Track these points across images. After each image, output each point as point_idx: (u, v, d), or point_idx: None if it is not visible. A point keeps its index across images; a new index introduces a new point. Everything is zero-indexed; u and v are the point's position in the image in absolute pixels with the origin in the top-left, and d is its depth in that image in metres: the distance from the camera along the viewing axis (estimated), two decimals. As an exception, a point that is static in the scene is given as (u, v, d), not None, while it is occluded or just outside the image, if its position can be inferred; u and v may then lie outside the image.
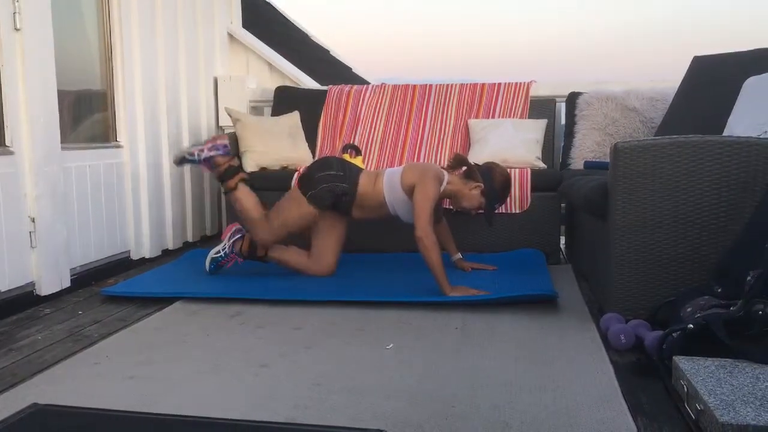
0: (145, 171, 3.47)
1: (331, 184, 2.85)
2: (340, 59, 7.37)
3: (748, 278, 1.81)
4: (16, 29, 2.55)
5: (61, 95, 2.85)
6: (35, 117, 2.64)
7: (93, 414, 1.61)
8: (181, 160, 3.01)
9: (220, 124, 4.34)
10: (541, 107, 3.85)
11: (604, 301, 2.40)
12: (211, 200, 4.27)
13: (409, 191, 2.80)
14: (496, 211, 2.96)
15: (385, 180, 2.89)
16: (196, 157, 2.96)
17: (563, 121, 3.84)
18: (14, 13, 2.54)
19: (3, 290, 2.53)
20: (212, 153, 2.96)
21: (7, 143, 2.56)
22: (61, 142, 2.82)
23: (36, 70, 2.64)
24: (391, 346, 2.11)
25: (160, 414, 1.61)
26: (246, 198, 2.96)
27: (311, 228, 3.03)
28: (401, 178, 2.84)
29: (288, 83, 4.51)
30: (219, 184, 3.04)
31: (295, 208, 2.90)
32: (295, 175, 3.49)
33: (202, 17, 4.11)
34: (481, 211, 2.92)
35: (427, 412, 1.61)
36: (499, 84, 3.94)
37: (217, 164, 2.97)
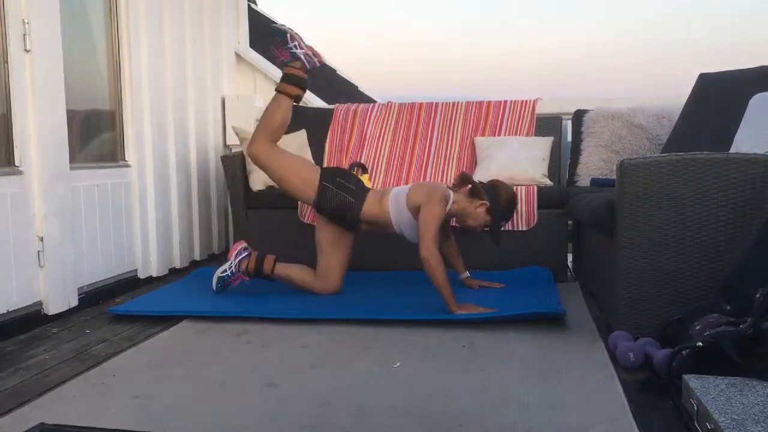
0: (153, 190, 3.48)
1: (339, 192, 2.87)
2: (346, 78, 7.42)
3: (758, 295, 1.80)
4: (26, 50, 2.58)
5: (70, 115, 2.88)
6: (44, 137, 2.66)
7: (99, 434, 1.60)
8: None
9: (228, 143, 4.37)
10: (547, 125, 3.85)
11: (612, 319, 2.39)
12: (218, 219, 4.28)
13: (415, 211, 2.80)
14: (503, 229, 2.95)
15: (391, 199, 2.90)
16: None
17: (569, 139, 3.84)
18: (24, 35, 2.57)
19: (11, 309, 2.53)
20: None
21: (16, 163, 2.58)
22: (70, 162, 2.84)
23: (45, 91, 2.67)
24: (398, 364, 2.10)
25: (167, 434, 1.60)
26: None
27: (317, 246, 3.03)
28: (407, 197, 2.84)
29: (295, 102, 4.53)
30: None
31: (304, 163, 3.01)
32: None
33: (210, 37, 4.15)
34: (486, 229, 2.91)
35: (435, 430, 1.60)
36: (505, 102, 3.95)
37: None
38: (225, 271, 3.02)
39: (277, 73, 4.64)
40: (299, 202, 3.54)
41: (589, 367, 2.04)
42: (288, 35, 2.94)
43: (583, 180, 3.57)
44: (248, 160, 3.67)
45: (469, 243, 3.36)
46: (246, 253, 3.05)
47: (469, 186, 2.92)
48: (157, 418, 1.70)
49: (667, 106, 3.54)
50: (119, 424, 1.67)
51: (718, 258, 2.15)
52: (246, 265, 3.02)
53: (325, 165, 3.95)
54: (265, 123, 2.96)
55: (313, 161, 3.87)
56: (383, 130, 3.99)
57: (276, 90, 3.00)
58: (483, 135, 3.86)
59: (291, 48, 2.94)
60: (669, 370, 1.80)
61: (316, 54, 2.99)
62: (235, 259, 3.03)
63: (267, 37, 3.01)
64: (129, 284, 3.33)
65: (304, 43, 2.97)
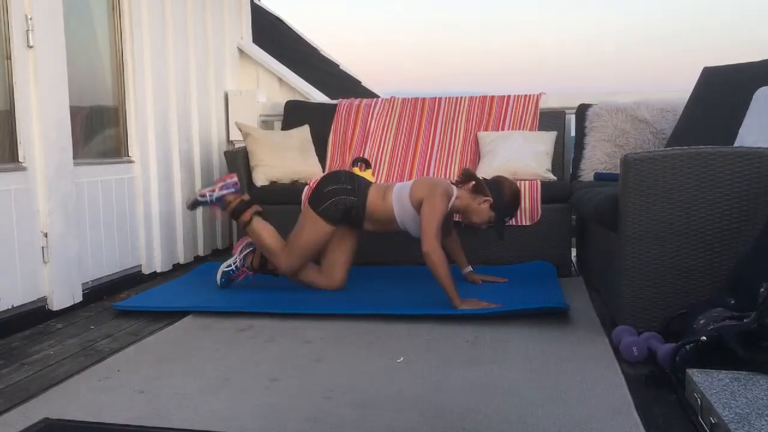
0: (157, 186, 3.49)
1: (339, 197, 2.86)
2: (349, 73, 7.42)
3: (762, 290, 1.80)
4: (29, 46, 2.59)
5: (74, 111, 2.88)
6: (48, 133, 2.67)
7: (104, 429, 1.61)
8: (193, 204, 3.06)
9: (231, 138, 4.37)
10: (550, 119, 3.85)
11: (615, 314, 2.39)
12: (222, 215, 4.29)
13: (418, 206, 2.80)
14: (507, 224, 2.95)
15: (394, 194, 2.90)
16: (207, 198, 3.01)
17: (573, 133, 3.83)
18: (27, 31, 2.57)
19: (16, 305, 2.54)
20: (223, 192, 3.01)
21: (20, 159, 2.59)
22: (74, 158, 2.85)
23: (49, 87, 2.67)
24: (401, 359, 2.10)
25: (171, 428, 1.61)
26: (263, 230, 2.97)
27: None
28: (410, 192, 2.84)
29: (298, 97, 4.53)
30: (233, 219, 3.06)
31: (310, 227, 2.89)
32: (306, 189, 3.50)
33: (213, 33, 4.15)
34: (490, 225, 2.91)
35: (439, 425, 1.60)
36: (509, 96, 3.95)
37: (228, 202, 3.01)
38: (230, 266, 3.03)
39: (281, 69, 4.65)
40: (302, 197, 3.54)
41: (592, 362, 2.04)
42: (198, 200, 3.03)
43: (587, 174, 3.56)
44: (251, 155, 3.67)
45: (472, 238, 3.36)
46: (251, 249, 3.06)
47: (473, 182, 2.92)
48: (161, 413, 1.71)
49: (671, 100, 3.52)
50: (124, 418, 1.68)
51: (722, 252, 2.14)
52: (250, 261, 3.03)
53: (328, 160, 3.95)
54: (267, 250, 2.96)
55: (318, 162, 3.87)
56: (386, 125, 3.99)
57: (242, 223, 3.02)
58: (486, 130, 3.86)
59: (212, 200, 3.01)
60: (673, 364, 1.80)
61: (223, 179, 3.06)
62: (240, 254, 3.04)
63: (191, 207, 3.12)
64: (133, 280, 3.34)
65: (210, 187, 3.05)
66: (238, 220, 3.01)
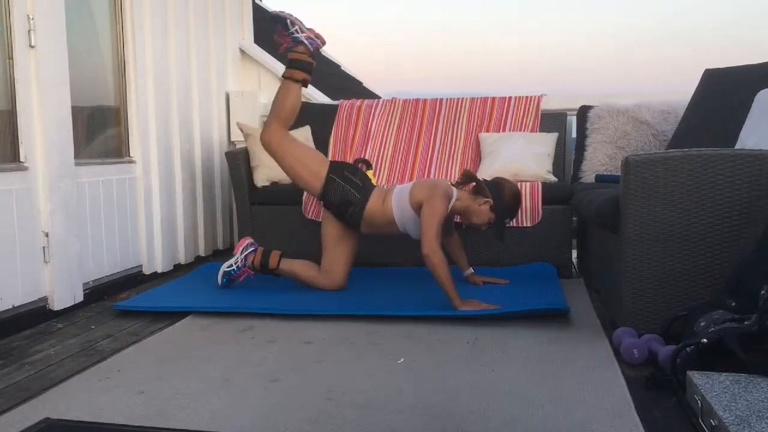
0: (158, 186, 3.49)
1: (345, 185, 2.87)
2: (350, 74, 7.41)
3: (763, 292, 1.80)
4: (31, 46, 2.59)
5: (75, 111, 2.88)
6: (49, 133, 2.67)
7: (104, 429, 1.61)
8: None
9: (232, 138, 4.37)
10: (551, 121, 3.85)
11: (616, 315, 2.38)
12: (223, 215, 4.29)
13: (418, 208, 2.80)
14: (507, 225, 2.95)
15: (394, 197, 2.90)
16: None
17: (574, 135, 3.83)
18: (29, 31, 2.58)
19: (16, 305, 2.55)
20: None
21: (21, 159, 2.59)
22: (75, 158, 2.85)
23: (50, 87, 2.67)
24: (402, 360, 2.10)
25: (172, 428, 1.61)
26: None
27: (322, 242, 3.04)
28: (410, 194, 2.84)
29: (299, 98, 4.53)
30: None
31: (303, 161, 2.94)
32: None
33: (214, 33, 4.15)
34: (491, 226, 2.91)
35: (439, 426, 1.60)
36: (510, 98, 3.95)
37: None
38: (231, 266, 3.03)
39: (282, 69, 4.64)
40: (303, 198, 3.54)
41: (593, 364, 2.04)
42: (288, 21, 2.92)
43: (588, 176, 3.56)
44: (252, 156, 3.68)
45: (473, 239, 3.36)
46: (252, 249, 3.06)
47: (473, 183, 2.92)
48: (161, 413, 1.71)
49: (673, 102, 3.52)
50: (124, 418, 1.68)
51: (723, 254, 2.14)
52: (252, 260, 3.03)
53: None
54: (276, 109, 2.96)
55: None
56: (387, 126, 3.99)
57: (283, 77, 2.99)
58: (487, 131, 3.86)
59: (293, 33, 2.93)
60: (673, 366, 1.80)
61: (318, 36, 2.97)
62: (241, 255, 3.04)
63: (268, 23, 2.99)
64: (134, 280, 3.34)
65: (304, 26, 2.95)
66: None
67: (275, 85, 4.62)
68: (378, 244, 3.42)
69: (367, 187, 2.93)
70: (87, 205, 3.00)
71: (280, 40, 2.97)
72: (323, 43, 2.98)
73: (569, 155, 3.88)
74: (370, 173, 3.69)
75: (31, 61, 2.60)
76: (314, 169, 2.93)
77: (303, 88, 2.99)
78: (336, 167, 2.94)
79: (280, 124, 2.95)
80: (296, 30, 2.92)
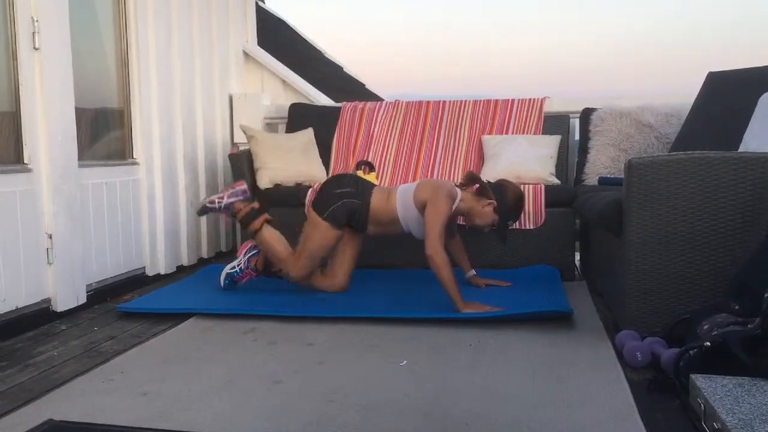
0: (161, 188, 3.50)
1: (343, 201, 2.86)
2: (353, 76, 7.42)
3: (766, 295, 1.79)
4: (35, 48, 2.60)
5: (79, 113, 2.89)
6: (53, 135, 2.68)
7: (107, 430, 1.61)
8: (202, 210, 3.06)
9: (235, 141, 4.38)
10: (554, 123, 3.85)
11: (619, 318, 2.38)
12: (229, 222, 4.29)
13: (422, 208, 2.80)
14: (510, 227, 2.95)
15: (398, 196, 2.90)
16: (216, 205, 3.02)
17: (577, 137, 3.83)
18: (33, 33, 2.58)
19: (20, 306, 2.55)
20: (232, 199, 3.02)
21: (25, 161, 2.59)
22: (79, 160, 2.85)
23: (54, 89, 2.68)
24: (404, 362, 2.10)
25: (174, 430, 1.61)
26: (272, 238, 2.97)
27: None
28: (414, 194, 2.84)
29: (302, 100, 4.54)
30: (243, 228, 3.05)
31: (317, 233, 2.89)
32: (309, 192, 3.50)
33: (218, 36, 4.16)
34: (494, 228, 2.91)
35: (441, 428, 1.60)
36: (513, 100, 3.95)
37: (237, 210, 3.01)
38: (234, 268, 3.04)
39: (285, 72, 4.66)
40: (306, 199, 3.54)
41: (595, 366, 2.03)
42: (209, 207, 3.03)
43: (591, 178, 3.56)
44: (255, 158, 3.68)
45: (475, 241, 3.36)
46: (255, 251, 3.06)
47: (477, 185, 2.92)
48: (164, 415, 1.71)
49: (676, 105, 3.52)
50: (127, 420, 1.68)
51: (726, 257, 2.14)
52: (255, 263, 3.03)
53: (332, 163, 3.96)
54: (275, 258, 2.96)
55: (322, 165, 3.87)
56: (390, 128, 3.99)
57: (252, 232, 3.00)
58: (490, 133, 3.86)
59: (221, 207, 3.02)
60: (676, 369, 1.80)
61: (233, 186, 3.07)
62: (244, 257, 3.05)
63: (200, 213, 3.13)
64: (137, 281, 3.34)
65: (217, 195, 3.04)
66: (247, 228, 3.01)
67: (278, 87, 4.64)
68: (380, 246, 3.42)
69: (363, 189, 2.92)
70: (90, 207, 3.01)
71: (224, 220, 3.06)
72: (242, 185, 3.07)
73: (572, 157, 3.88)
74: (372, 175, 3.70)
75: (35, 63, 2.60)
76: (321, 233, 2.89)
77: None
78: (321, 203, 2.90)
79: (288, 254, 2.94)
80: (218, 201, 3.01)
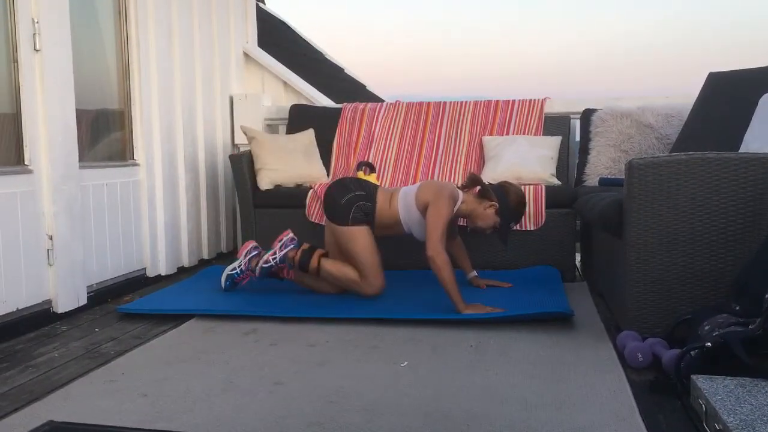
0: (161, 189, 3.50)
1: (358, 204, 2.86)
2: (354, 77, 7.42)
3: (767, 296, 1.79)
4: (36, 50, 2.60)
5: (79, 114, 2.89)
6: (54, 136, 2.68)
7: (108, 431, 1.61)
8: (262, 273, 3.01)
9: (236, 141, 4.38)
10: (555, 124, 3.85)
11: (620, 319, 2.38)
12: (227, 218, 4.30)
13: (424, 210, 2.80)
14: (512, 229, 2.95)
15: (400, 198, 2.90)
16: (272, 263, 2.99)
17: (578, 138, 3.83)
18: (34, 34, 2.59)
19: (21, 307, 2.55)
20: (284, 251, 3.00)
21: (25, 162, 2.60)
22: (79, 161, 2.86)
23: (55, 90, 2.68)
24: (405, 363, 2.10)
25: (175, 431, 1.61)
26: (336, 269, 2.92)
27: (334, 249, 3.02)
28: (416, 196, 2.84)
29: (303, 101, 4.54)
30: (304, 272, 3.01)
31: (356, 241, 2.85)
32: (310, 193, 3.50)
33: (218, 37, 4.16)
34: (496, 230, 2.91)
35: (442, 429, 1.60)
36: (513, 101, 3.95)
37: (291, 258, 2.98)
38: (234, 269, 3.04)
39: (286, 73, 4.66)
40: (307, 201, 3.54)
41: (597, 367, 2.03)
42: (266, 268, 3.00)
43: (592, 179, 3.56)
44: (256, 159, 3.68)
45: (476, 242, 3.36)
46: (256, 252, 3.06)
47: (479, 186, 2.92)
48: (165, 416, 1.71)
49: (677, 105, 3.52)
50: (128, 421, 1.68)
51: (727, 258, 2.14)
52: (255, 264, 3.03)
53: (332, 164, 3.95)
54: (347, 284, 2.93)
55: (323, 166, 3.87)
56: (391, 129, 4.00)
57: (313, 272, 2.97)
58: (491, 134, 3.86)
59: (277, 263, 2.99)
60: (677, 370, 1.80)
61: (280, 239, 3.04)
62: (244, 258, 3.05)
63: (261, 276, 3.06)
64: (138, 283, 3.34)
65: (270, 251, 3.02)
66: (308, 272, 2.98)
67: (279, 89, 4.64)
68: (381, 247, 3.41)
69: (369, 191, 2.93)
70: (91, 208, 3.01)
71: (287, 275, 3.05)
72: (288, 234, 3.04)
73: (573, 158, 3.88)
74: (373, 176, 3.70)
75: (36, 65, 2.61)
76: (361, 238, 2.86)
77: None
78: (339, 213, 2.87)
79: (356, 274, 2.89)
80: (272, 259, 2.99)
